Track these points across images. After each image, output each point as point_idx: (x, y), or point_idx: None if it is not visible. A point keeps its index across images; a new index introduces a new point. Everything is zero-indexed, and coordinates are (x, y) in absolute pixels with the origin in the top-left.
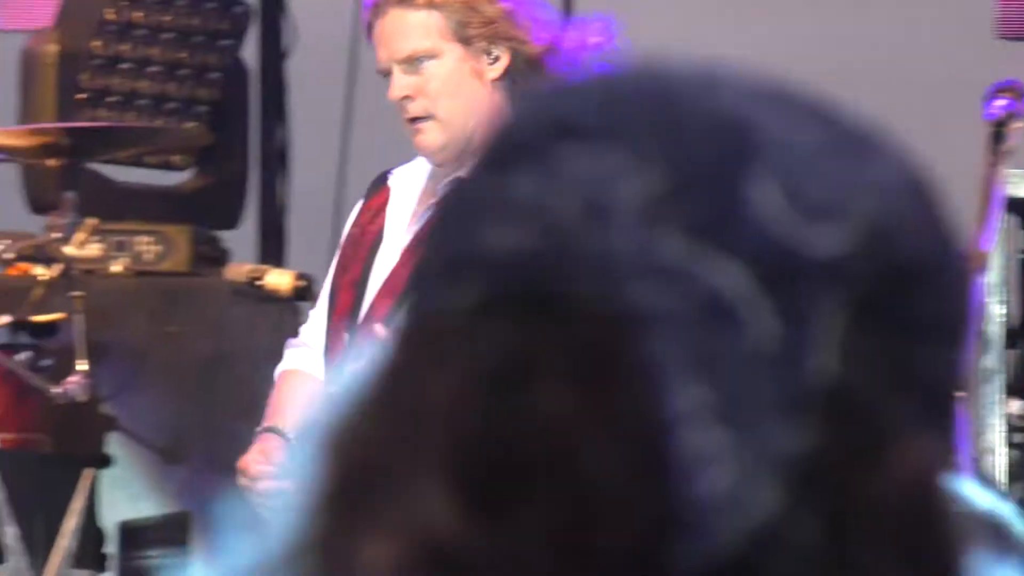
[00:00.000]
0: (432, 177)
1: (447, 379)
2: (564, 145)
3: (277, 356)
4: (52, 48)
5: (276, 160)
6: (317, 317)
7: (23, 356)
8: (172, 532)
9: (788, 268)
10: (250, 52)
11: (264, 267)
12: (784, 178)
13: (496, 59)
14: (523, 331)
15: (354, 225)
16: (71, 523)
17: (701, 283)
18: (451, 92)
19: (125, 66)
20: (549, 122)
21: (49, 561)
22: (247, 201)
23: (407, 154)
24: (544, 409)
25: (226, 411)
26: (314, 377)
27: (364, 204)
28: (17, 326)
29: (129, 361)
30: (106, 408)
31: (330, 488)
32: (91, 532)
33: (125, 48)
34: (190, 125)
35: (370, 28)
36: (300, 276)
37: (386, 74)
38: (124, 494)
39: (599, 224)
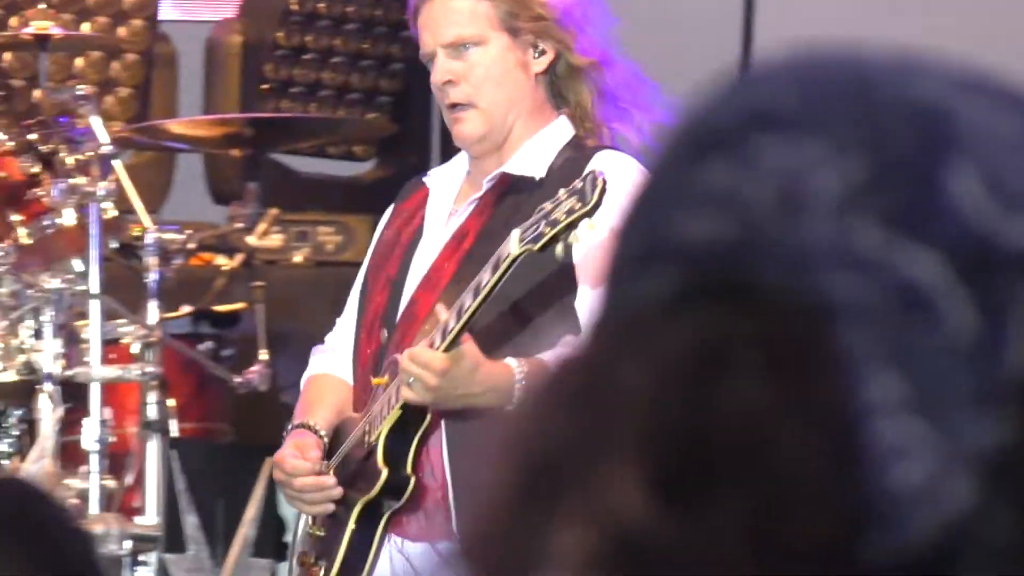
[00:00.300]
0: (471, 172)
1: (641, 370)
2: (761, 134)
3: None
4: (236, 39)
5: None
6: (344, 323)
7: (205, 346)
8: None
9: (986, 259)
10: None
11: None
12: (983, 168)
13: (543, 53)
14: (719, 322)
15: (387, 228)
16: (251, 512)
17: (898, 274)
18: (495, 81)
19: (308, 57)
20: (746, 111)
21: (229, 550)
22: None
23: None
24: (739, 400)
25: None
26: (343, 380)
27: (398, 206)
28: (199, 316)
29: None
30: (287, 397)
31: (520, 478)
32: (271, 521)
33: (308, 39)
34: (372, 116)
35: (416, 12)
36: None
37: (430, 59)
38: None
39: (796, 214)
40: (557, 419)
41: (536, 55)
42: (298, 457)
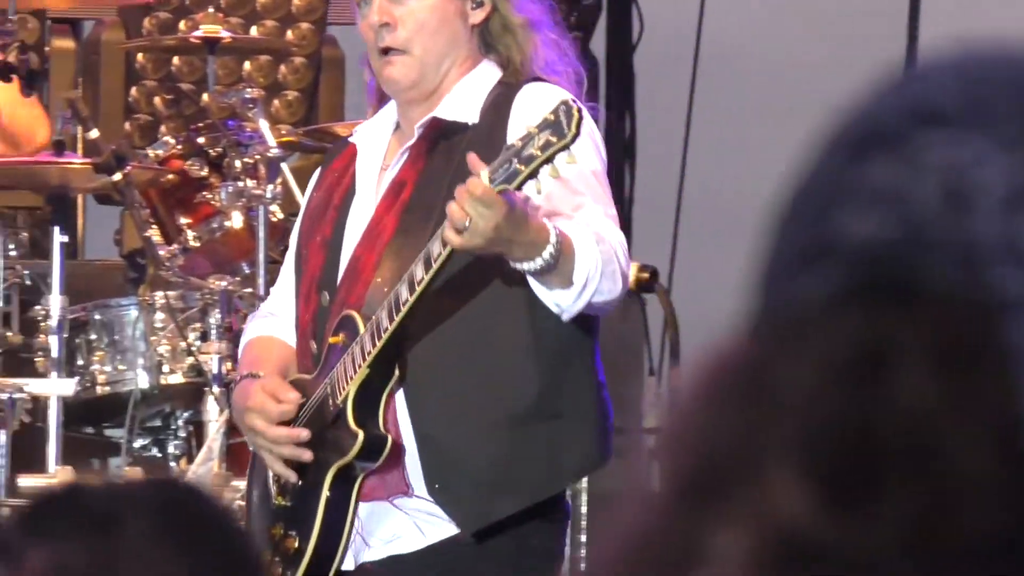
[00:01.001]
0: (400, 125)
1: (802, 370)
2: (925, 131)
3: (626, 347)
4: None
5: (623, 152)
6: (280, 290)
7: None
8: None
9: None
10: (598, 44)
11: None
12: None
13: (480, 5)
14: (882, 320)
15: (316, 190)
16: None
17: None
18: (432, 29)
19: None
20: (909, 108)
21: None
22: None
23: (749, 147)
24: (905, 399)
25: None
26: (284, 342)
27: (325, 169)
28: None
29: None
30: None
31: (679, 479)
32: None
33: None
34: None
35: None
36: (643, 267)
37: (365, 1)
38: None
39: (961, 212)
40: (717, 418)
41: (473, 6)
42: (276, 403)
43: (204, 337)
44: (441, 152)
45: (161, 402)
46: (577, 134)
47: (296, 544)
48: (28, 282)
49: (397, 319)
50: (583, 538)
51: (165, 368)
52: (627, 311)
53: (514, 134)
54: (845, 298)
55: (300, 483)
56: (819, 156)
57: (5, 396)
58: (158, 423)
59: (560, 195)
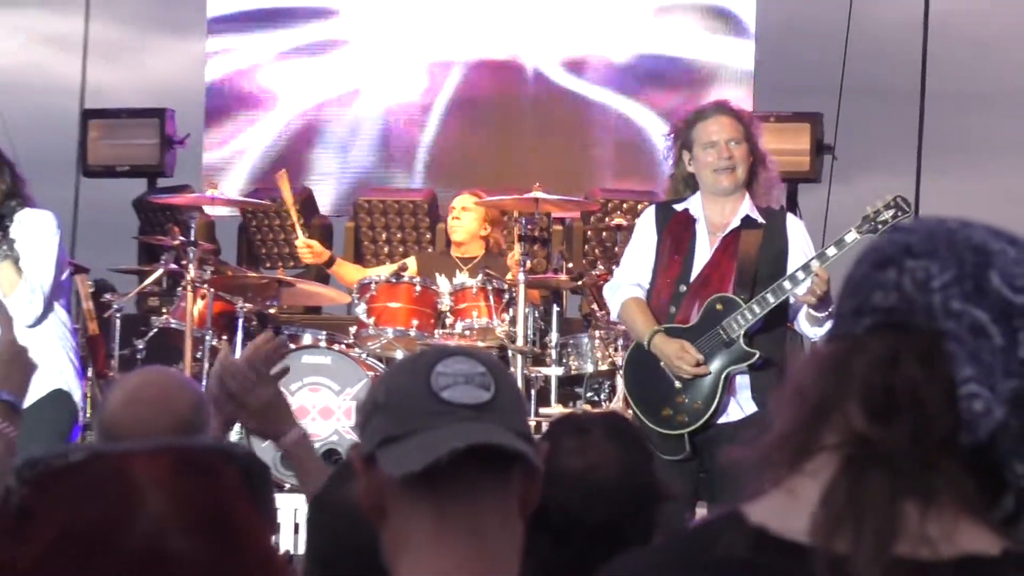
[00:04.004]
0: (707, 212)
1: (859, 360)
2: (906, 258)
3: None
4: None
5: None
6: (634, 269)
7: None
8: None
9: (1009, 312)
10: None
11: None
12: (1004, 272)
13: (752, 153)
14: (893, 340)
15: (674, 223)
16: None
17: (970, 318)
18: (745, 161)
19: None
20: (900, 246)
21: None
22: None
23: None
24: (905, 375)
25: None
26: (645, 303)
27: (667, 216)
28: None
29: None
30: None
31: (805, 405)
32: None
33: None
34: None
35: (702, 117)
36: None
37: (711, 145)
38: None
39: (923, 292)
40: (823, 378)
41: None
42: (685, 352)
43: None
44: (752, 234)
45: None
46: (913, 212)
47: (699, 405)
48: None
49: (773, 303)
50: None
51: None
52: None
53: (793, 236)
54: (873, 332)
55: (696, 379)
56: (861, 266)
57: None
58: None
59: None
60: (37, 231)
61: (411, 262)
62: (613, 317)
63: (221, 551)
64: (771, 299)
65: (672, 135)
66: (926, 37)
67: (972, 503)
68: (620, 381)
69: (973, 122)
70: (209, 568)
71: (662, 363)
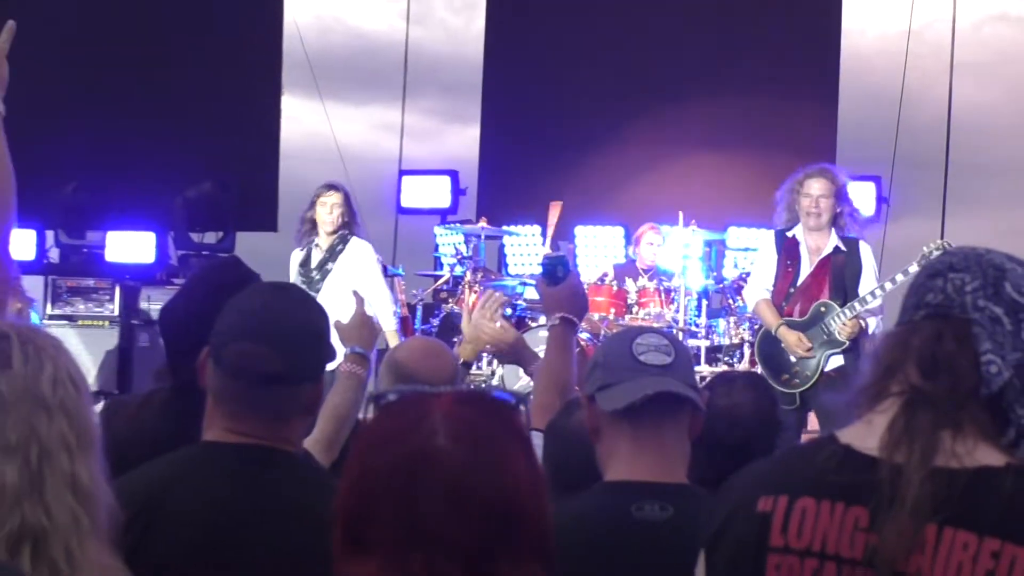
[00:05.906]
0: (807, 231)
1: (916, 338)
2: (948, 272)
3: None
4: None
5: None
6: (761, 277)
7: None
8: None
9: (1016, 305)
10: None
11: None
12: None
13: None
14: (939, 326)
15: (788, 245)
16: None
17: (989, 312)
18: (831, 208)
19: None
20: (945, 265)
21: None
22: None
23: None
24: (946, 348)
25: None
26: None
27: (787, 241)
28: None
29: None
30: None
31: (879, 366)
32: None
33: None
34: None
35: (807, 179)
36: None
37: (807, 195)
38: None
39: (960, 294)
40: (890, 351)
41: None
42: (801, 343)
43: None
44: (839, 258)
45: None
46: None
47: (808, 375)
48: None
49: (860, 310)
50: None
51: None
52: None
53: (866, 260)
54: (927, 319)
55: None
56: (919, 277)
57: None
58: None
59: None
60: (367, 261)
61: (610, 270)
62: (748, 311)
63: (477, 458)
64: (857, 307)
65: (789, 185)
66: (949, 122)
67: (987, 433)
68: (747, 351)
69: (979, 184)
70: (469, 468)
71: (782, 344)
